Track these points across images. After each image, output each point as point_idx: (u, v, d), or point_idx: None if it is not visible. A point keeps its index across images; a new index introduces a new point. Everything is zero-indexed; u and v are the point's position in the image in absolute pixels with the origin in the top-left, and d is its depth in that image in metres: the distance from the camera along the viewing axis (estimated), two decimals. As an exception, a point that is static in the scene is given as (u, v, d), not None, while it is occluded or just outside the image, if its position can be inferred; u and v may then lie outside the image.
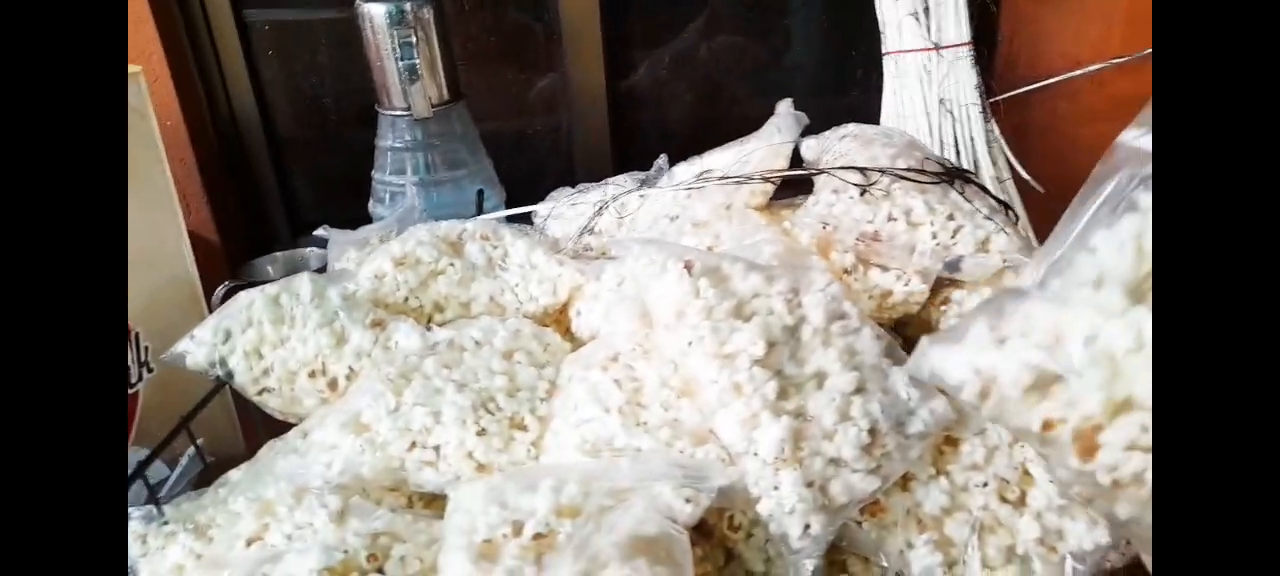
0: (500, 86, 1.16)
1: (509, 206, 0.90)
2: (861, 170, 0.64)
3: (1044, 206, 1.02)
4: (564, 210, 0.83)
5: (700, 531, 0.59)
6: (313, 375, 0.59)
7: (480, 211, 0.87)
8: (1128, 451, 0.37)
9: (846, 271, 0.66)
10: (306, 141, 1.16)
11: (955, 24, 0.94)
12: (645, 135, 1.19)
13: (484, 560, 0.45)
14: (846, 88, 1.18)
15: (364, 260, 0.66)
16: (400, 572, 0.47)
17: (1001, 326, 0.42)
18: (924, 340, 0.46)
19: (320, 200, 1.18)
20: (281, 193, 1.15)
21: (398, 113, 0.87)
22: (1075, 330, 0.38)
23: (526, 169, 1.15)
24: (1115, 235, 0.38)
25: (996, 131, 0.99)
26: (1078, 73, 1.04)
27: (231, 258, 1.08)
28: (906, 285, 0.63)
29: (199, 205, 1.06)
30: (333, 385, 0.59)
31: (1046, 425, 0.40)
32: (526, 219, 0.87)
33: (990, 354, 0.42)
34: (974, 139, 0.97)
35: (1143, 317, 0.36)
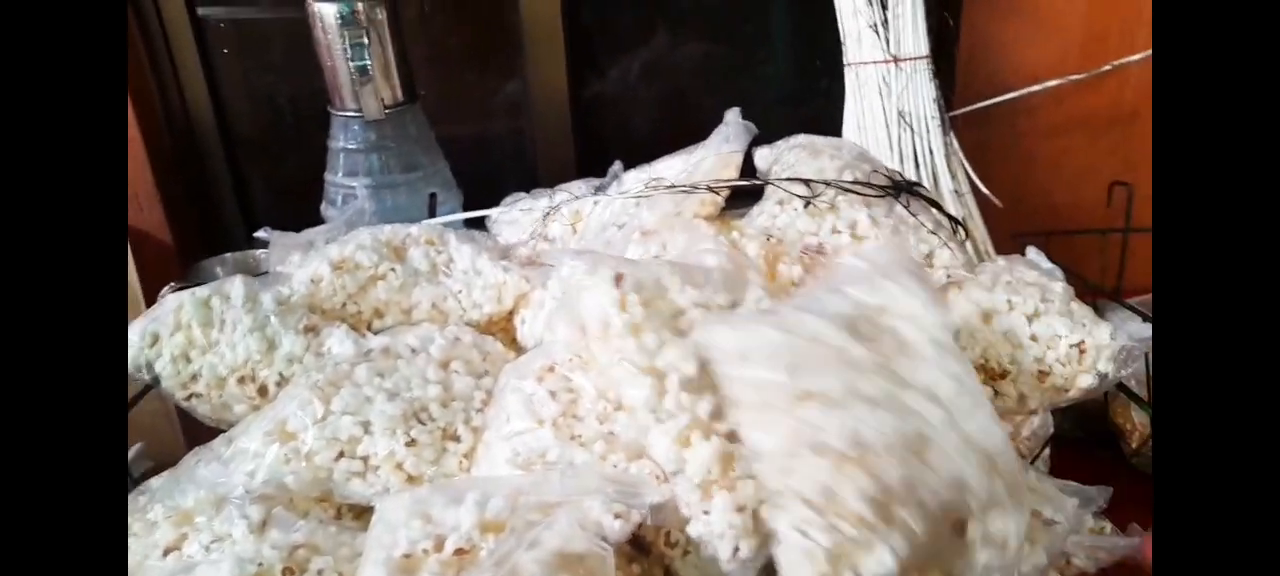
0: (460, 90, 1.15)
1: (466, 211, 0.89)
2: (806, 182, 0.63)
3: (1002, 221, 1.02)
4: (517, 216, 0.82)
5: (638, 547, 0.58)
6: (242, 381, 0.57)
7: (433, 215, 0.86)
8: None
9: (794, 284, 0.65)
10: (263, 142, 1.14)
11: (913, 37, 0.94)
12: (609, 142, 1.19)
13: (402, 574, 0.43)
14: (812, 98, 1.18)
15: (302, 264, 0.65)
16: (318, 586, 0.45)
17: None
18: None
19: (277, 202, 1.16)
20: (236, 193, 1.13)
21: (350, 114, 0.86)
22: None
23: (487, 174, 1.14)
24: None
25: (955, 144, 0.99)
26: (1036, 88, 1.04)
27: (184, 258, 1.05)
28: (851, 299, 0.63)
29: (151, 203, 1.04)
30: (263, 391, 0.58)
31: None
32: (480, 224, 0.86)
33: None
34: (933, 152, 0.97)
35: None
